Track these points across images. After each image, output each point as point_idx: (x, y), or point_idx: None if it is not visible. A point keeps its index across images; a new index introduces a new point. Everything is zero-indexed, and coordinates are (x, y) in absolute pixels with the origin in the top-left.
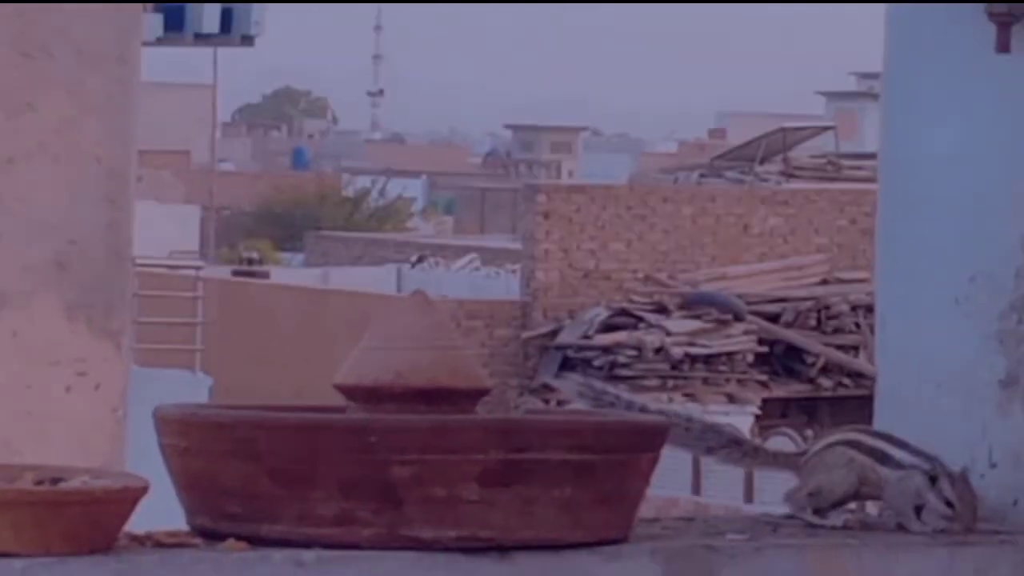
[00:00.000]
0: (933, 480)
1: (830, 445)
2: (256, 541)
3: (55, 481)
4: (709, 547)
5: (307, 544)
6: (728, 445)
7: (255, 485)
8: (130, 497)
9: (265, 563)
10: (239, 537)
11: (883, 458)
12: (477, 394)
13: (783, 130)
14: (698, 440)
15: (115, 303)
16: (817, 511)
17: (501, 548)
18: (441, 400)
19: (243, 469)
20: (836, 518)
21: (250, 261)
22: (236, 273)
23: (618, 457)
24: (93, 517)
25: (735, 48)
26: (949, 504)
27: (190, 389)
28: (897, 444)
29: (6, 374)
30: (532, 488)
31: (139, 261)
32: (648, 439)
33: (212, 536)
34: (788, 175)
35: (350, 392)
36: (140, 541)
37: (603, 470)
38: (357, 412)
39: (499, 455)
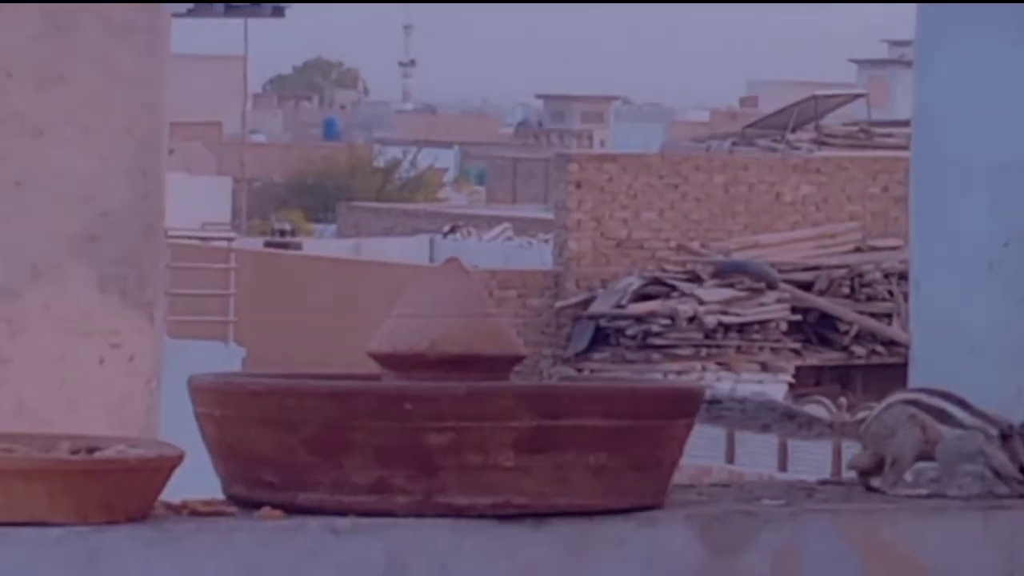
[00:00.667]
0: (1005, 438)
1: (890, 406)
2: (291, 509)
3: (91, 450)
4: (744, 512)
5: (342, 512)
6: (782, 420)
7: (290, 453)
8: (166, 466)
9: (301, 531)
10: (275, 505)
11: (943, 417)
12: (511, 361)
13: (815, 98)
14: (752, 419)
15: (148, 275)
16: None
17: (536, 515)
18: (475, 367)
19: (278, 437)
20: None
21: (282, 232)
22: (268, 244)
23: (652, 423)
24: (129, 486)
25: (766, 16)
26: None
27: (223, 360)
28: (958, 403)
29: (39, 346)
30: (566, 455)
31: (171, 233)
32: (683, 405)
33: (248, 504)
34: (820, 143)
35: (385, 360)
36: (176, 510)
37: (637, 436)
38: (392, 380)
39: (533, 422)
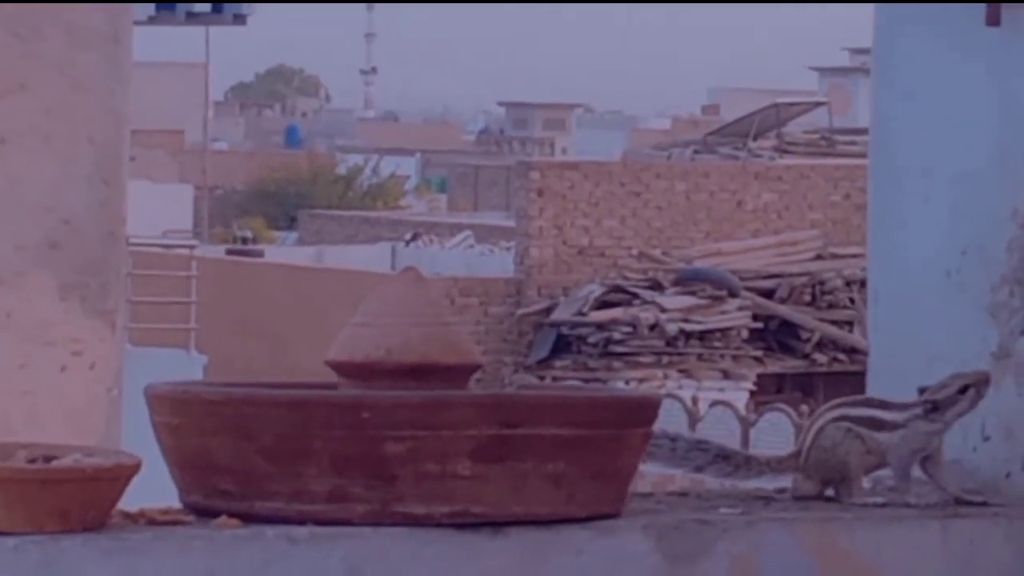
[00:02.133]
0: (935, 407)
1: (821, 429)
2: (249, 518)
3: (48, 459)
4: (702, 521)
5: (300, 521)
6: (716, 461)
7: (247, 462)
8: (123, 475)
9: (258, 540)
10: (232, 514)
11: (877, 424)
12: (469, 370)
13: (776, 106)
14: (684, 459)
15: (109, 282)
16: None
17: (494, 523)
18: (433, 376)
19: (235, 446)
20: (869, 494)
21: (244, 240)
22: (230, 252)
23: (610, 432)
24: (85, 495)
25: (728, 23)
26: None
27: (185, 368)
28: (881, 406)
29: (0, 354)
30: (525, 463)
31: (133, 240)
32: (640, 414)
33: (205, 513)
34: (782, 151)
35: (342, 368)
36: (133, 519)
37: (595, 445)
38: (349, 389)
39: (491, 430)
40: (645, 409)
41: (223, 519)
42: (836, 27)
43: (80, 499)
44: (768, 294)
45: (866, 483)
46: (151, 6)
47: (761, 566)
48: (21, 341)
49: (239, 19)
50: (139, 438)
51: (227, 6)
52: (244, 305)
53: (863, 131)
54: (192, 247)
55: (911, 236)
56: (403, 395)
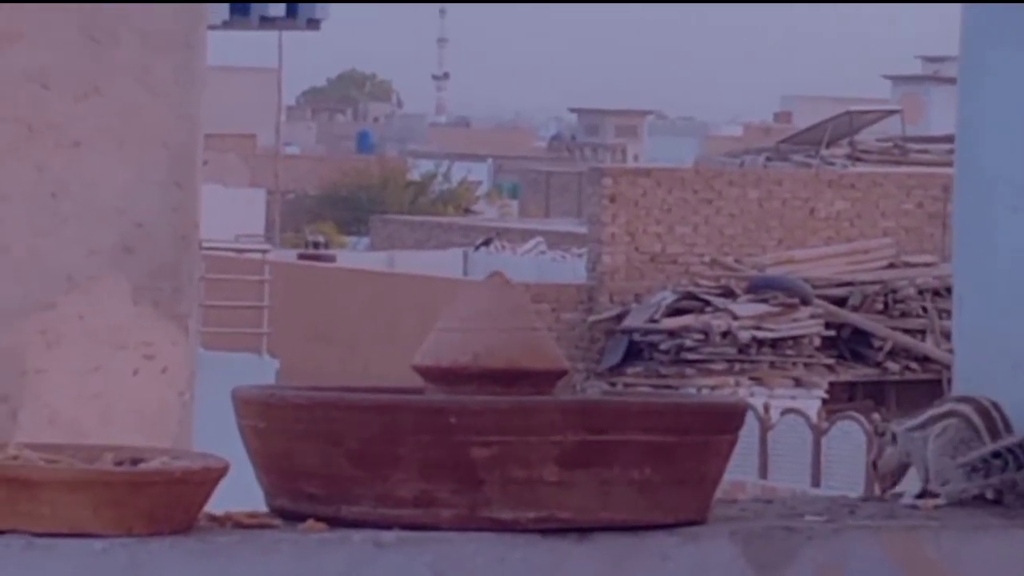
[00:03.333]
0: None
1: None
2: (335, 522)
3: (135, 462)
4: (788, 528)
5: (386, 525)
6: None
7: (334, 466)
8: (210, 478)
9: (344, 544)
10: (318, 518)
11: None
12: (555, 375)
13: (849, 113)
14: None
15: (182, 287)
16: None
17: (579, 529)
18: (519, 381)
19: (322, 450)
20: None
21: (316, 244)
22: (302, 257)
23: (697, 439)
24: (173, 498)
25: (801, 32)
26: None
27: (257, 372)
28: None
29: (74, 357)
30: (611, 469)
31: (206, 245)
32: (727, 421)
33: (291, 517)
34: (854, 158)
35: (428, 373)
36: (219, 522)
37: (681, 452)
38: (435, 394)
39: (578, 436)
40: (732, 416)
41: (310, 523)
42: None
43: (168, 502)
44: (840, 302)
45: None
46: (225, 10)
47: (847, 574)
48: (94, 345)
49: (313, 24)
50: (211, 442)
51: (301, 10)
52: (316, 309)
53: (936, 139)
54: (265, 251)
55: (998, 246)
56: (490, 400)
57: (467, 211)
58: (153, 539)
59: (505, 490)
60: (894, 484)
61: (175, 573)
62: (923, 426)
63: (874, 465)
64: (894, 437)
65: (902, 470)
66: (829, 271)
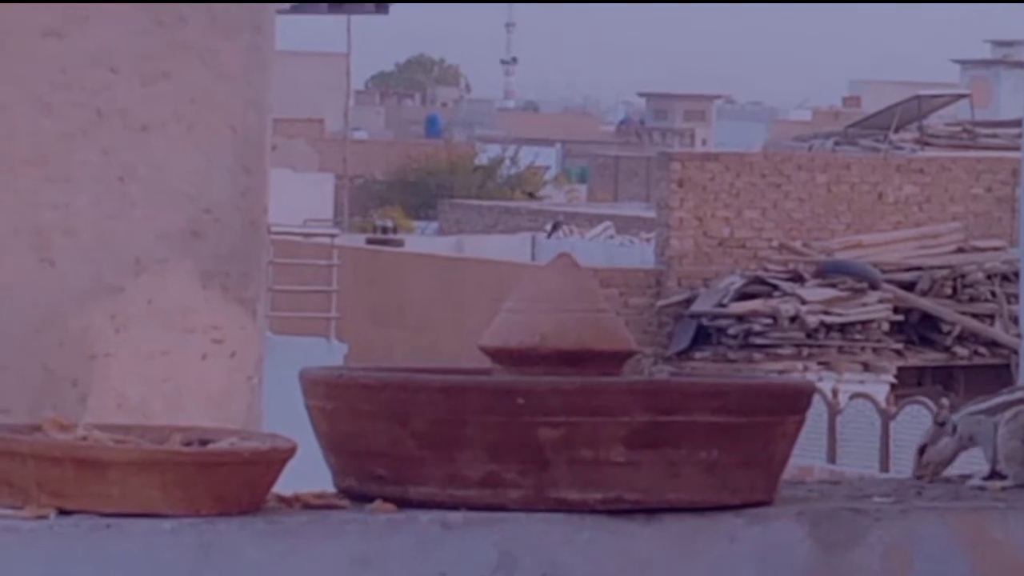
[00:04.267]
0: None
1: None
2: (403, 503)
3: (203, 443)
4: (855, 510)
5: (454, 506)
6: None
7: (402, 447)
8: (278, 458)
9: (412, 524)
10: (386, 499)
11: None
12: (623, 356)
13: (918, 98)
14: None
15: (250, 271)
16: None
17: (647, 510)
18: (587, 362)
19: (390, 431)
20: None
21: (384, 229)
22: (370, 241)
23: (764, 419)
24: (242, 478)
25: (869, 15)
26: None
27: (325, 356)
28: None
29: (142, 341)
30: (678, 450)
31: (274, 229)
32: (794, 402)
33: (359, 498)
34: (923, 143)
35: (495, 354)
36: (288, 503)
37: (749, 432)
38: (503, 374)
39: (646, 417)
40: (799, 397)
41: (377, 504)
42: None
43: (237, 482)
44: (909, 287)
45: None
46: None
47: (914, 555)
48: (162, 329)
49: (381, 8)
50: (280, 426)
51: None
52: (384, 294)
53: (1005, 124)
54: (333, 236)
55: None
56: (558, 381)
57: (532, 196)
58: (221, 519)
59: (572, 471)
60: (935, 475)
61: (243, 553)
62: (992, 411)
63: (921, 450)
64: (954, 428)
65: (948, 463)
66: (897, 256)
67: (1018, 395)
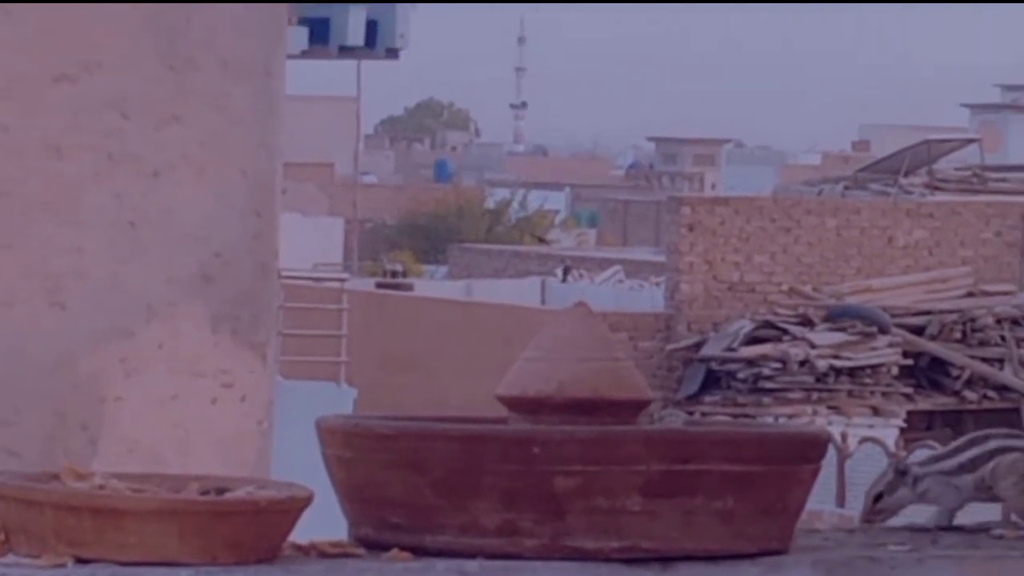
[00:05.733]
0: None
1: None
2: (420, 551)
3: (220, 491)
4: (870, 558)
5: (471, 554)
6: None
7: (418, 495)
8: (295, 507)
9: (429, 573)
10: (403, 547)
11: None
12: (639, 405)
13: (927, 142)
14: None
15: (261, 315)
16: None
17: (663, 559)
18: (603, 411)
19: (407, 479)
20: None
21: (394, 274)
22: (380, 285)
23: (779, 468)
24: (259, 527)
25: (879, 60)
26: None
27: (335, 401)
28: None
29: (153, 385)
30: (694, 499)
31: (284, 273)
32: (809, 451)
33: (375, 546)
34: (933, 187)
35: (512, 403)
36: (304, 551)
37: (765, 481)
38: (519, 423)
39: (662, 466)
40: (815, 446)
41: (394, 552)
42: (988, 64)
43: (253, 531)
44: (918, 331)
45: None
46: (304, 39)
47: None
48: (172, 373)
49: (392, 53)
50: (290, 471)
51: (380, 39)
52: (393, 338)
53: (1015, 168)
54: (343, 280)
55: None
56: (574, 430)
57: (541, 240)
58: (238, 568)
59: (588, 520)
60: (882, 522)
61: None
62: (961, 469)
63: (877, 497)
64: (915, 480)
65: (897, 511)
66: (907, 300)
67: (993, 445)
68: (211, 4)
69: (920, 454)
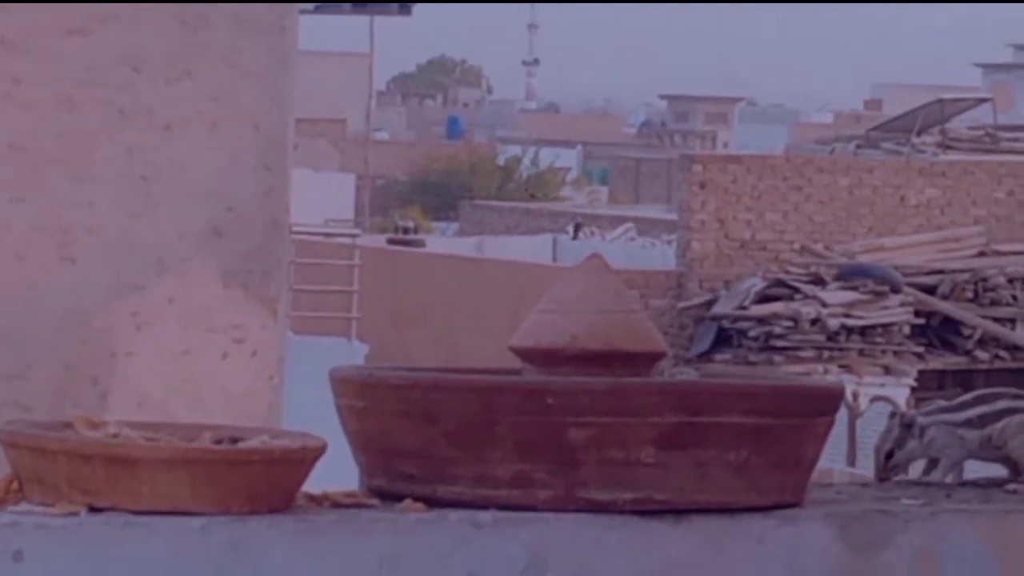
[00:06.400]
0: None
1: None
2: (432, 502)
3: (234, 441)
4: (884, 512)
5: (483, 505)
6: None
7: (432, 446)
8: (309, 457)
9: (442, 524)
10: (416, 498)
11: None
12: (653, 357)
13: (940, 102)
14: None
15: (272, 270)
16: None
17: (676, 511)
18: (617, 363)
19: (420, 430)
20: None
21: (405, 230)
22: (391, 241)
23: (794, 421)
24: (272, 476)
25: (891, 20)
26: None
27: (346, 357)
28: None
29: (163, 340)
30: (708, 451)
31: (295, 229)
32: (824, 404)
33: (388, 497)
34: (945, 147)
35: (526, 355)
36: (317, 501)
37: (779, 434)
38: (533, 375)
39: (675, 418)
40: (829, 399)
41: (407, 503)
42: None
43: (267, 480)
44: (930, 290)
45: None
46: None
47: (943, 558)
48: (184, 328)
49: (404, 9)
50: (300, 425)
51: None
52: (404, 295)
53: None
54: (354, 236)
55: None
56: (588, 381)
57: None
58: (251, 518)
59: (602, 471)
60: (896, 476)
61: (274, 552)
62: (969, 424)
63: (888, 454)
64: (921, 431)
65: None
66: (919, 259)
67: (1001, 405)
68: None
69: (925, 407)
